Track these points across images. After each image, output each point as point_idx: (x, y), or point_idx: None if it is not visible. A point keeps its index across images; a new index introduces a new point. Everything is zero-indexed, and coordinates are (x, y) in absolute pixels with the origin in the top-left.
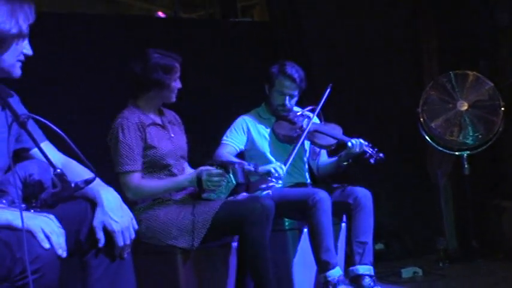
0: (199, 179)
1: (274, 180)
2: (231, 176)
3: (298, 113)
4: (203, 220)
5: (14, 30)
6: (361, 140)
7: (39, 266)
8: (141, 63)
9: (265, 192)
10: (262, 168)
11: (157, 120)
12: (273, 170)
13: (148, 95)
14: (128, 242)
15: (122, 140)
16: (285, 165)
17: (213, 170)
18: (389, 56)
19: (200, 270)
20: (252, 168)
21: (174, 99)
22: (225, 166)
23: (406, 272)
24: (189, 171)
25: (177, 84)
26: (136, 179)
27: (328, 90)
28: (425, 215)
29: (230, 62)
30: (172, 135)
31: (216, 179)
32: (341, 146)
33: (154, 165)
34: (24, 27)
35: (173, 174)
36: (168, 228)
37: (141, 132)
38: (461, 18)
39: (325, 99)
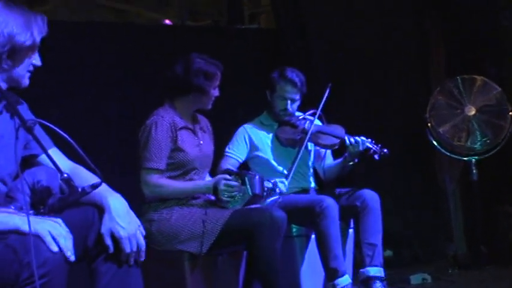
0: (215, 187)
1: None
2: (248, 187)
3: (300, 117)
4: (213, 227)
5: (29, 42)
6: (363, 138)
7: (47, 270)
8: (184, 67)
9: (271, 199)
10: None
11: (190, 125)
12: (276, 189)
13: (186, 99)
14: (135, 248)
15: (154, 136)
16: (288, 176)
17: (231, 180)
18: (397, 62)
19: (208, 277)
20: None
21: (209, 107)
22: (243, 177)
23: (415, 279)
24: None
25: (215, 92)
26: (157, 178)
27: (327, 90)
28: (434, 221)
29: (236, 69)
30: (201, 142)
31: (232, 189)
32: (345, 145)
33: (178, 168)
34: (38, 40)
35: (193, 180)
36: (177, 232)
37: (173, 133)
38: (467, 22)
39: (326, 99)
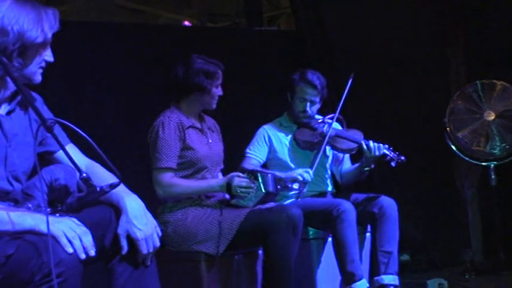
0: (229, 184)
1: (301, 185)
2: (261, 184)
3: (320, 120)
4: (229, 227)
5: (40, 39)
6: (381, 144)
7: (62, 270)
8: (184, 67)
9: (289, 201)
10: (287, 175)
11: (197, 124)
12: (299, 177)
13: (190, 99)
14: (152, 249)
15: (161, 136)
16: (311, 169)
17: (244, 177)
18: (416, 65)
19: (225, 278)
20: (282, 176)
21: (214, 106)
22: (255, 174)
23: (432, 284)
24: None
25: (218, 91)
26: (169, 177)
27: (349, 81)
28: (452, 226)
29: (256, 71)
30: (210, 141)
31: (245, 185)
32: (362, 150)
33: (190, 167)
34: (49, 36)
35: (205, 179)
36: (194, 233)
37: (181, 132)
38: (487, 25)
39: (347, 94)
